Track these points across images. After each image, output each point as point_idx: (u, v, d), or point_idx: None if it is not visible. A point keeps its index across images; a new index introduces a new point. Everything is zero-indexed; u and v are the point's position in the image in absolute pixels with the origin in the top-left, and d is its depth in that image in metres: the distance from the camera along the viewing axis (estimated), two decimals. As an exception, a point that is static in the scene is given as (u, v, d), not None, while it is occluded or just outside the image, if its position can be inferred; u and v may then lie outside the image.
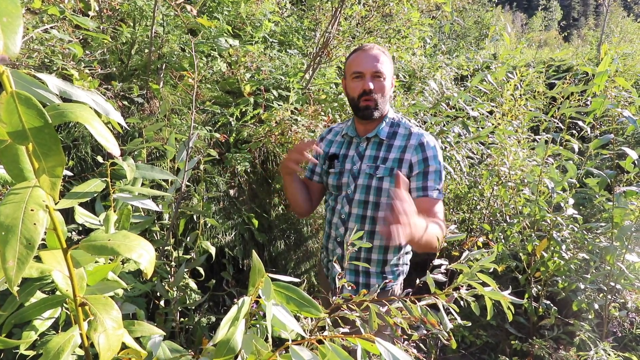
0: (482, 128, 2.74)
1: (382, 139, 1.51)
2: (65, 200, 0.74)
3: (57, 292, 0.78)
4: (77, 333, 0.68)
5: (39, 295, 0.87)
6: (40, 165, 0.50)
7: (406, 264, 1.62)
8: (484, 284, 0.95)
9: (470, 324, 1.29)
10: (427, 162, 1.45)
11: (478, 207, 2.91)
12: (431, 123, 2.68)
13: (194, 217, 1.95)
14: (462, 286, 0.97)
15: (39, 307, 0.80)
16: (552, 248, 2.23)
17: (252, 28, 2.86)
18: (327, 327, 0.95)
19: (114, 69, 2.22)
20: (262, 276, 0.75)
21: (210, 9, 2.80)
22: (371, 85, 1.45)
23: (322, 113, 2.48)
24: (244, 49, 2.50)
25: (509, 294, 0.97)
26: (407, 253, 1.61)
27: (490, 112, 2.99)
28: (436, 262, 1.04)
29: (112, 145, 0.53)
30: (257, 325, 0.86)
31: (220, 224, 2.14)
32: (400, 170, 1.46)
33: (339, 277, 1.01)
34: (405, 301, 0.92)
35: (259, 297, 0.74)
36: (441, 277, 0.98)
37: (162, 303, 1.67)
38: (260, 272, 0.75)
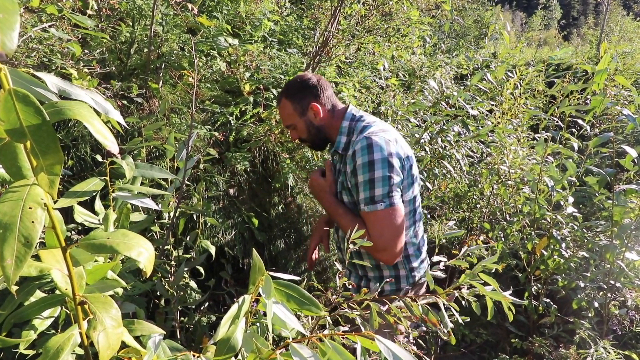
0: (482, 127, 2.74)
1: (341, 153, 1.49)
2: (64, 199, 0.74)
3: (57, 291, 0.78)
4: (77, 332, 0.68)
5: (38, 295, 0.87)
6: (38, 163, 0.49)
7: (414, 270, 1.51)
8: (485, 284, 0.95)
9: (470, 322, 1.29)
10: (356, 172, 1.34)
11: (478, 205, 2.91)
12: (431, 122, 2.67)
13: (194, 216, 1.95)
14: (464, 286, 0.96)
15: (38, 306, 0.80)
16: (552, 246, 2.22)
17: (252, 27, 2.86)
18: (327, 326, 0.95)
19: (113, 68, 2.21)
20: (262, 274, 0.75)
21: (210, 8, 2.80)
22: (292, 137, 1.57)
23: (322, 112, 2.47)
24: (244, 48, 2.50)
25: (509, 294, 0.96)
26: (407, 256, 1.50)
27: (490, 111, 2.99)
28: (435, 258, 1.04)
29: (110, 143, 0.53)
30: (258, 324, 0.86)
31: (220, 223, 2.14)
32: (348, 183, 1.42)
33: (339, 275, 1.01)
34: (406, 299, 0.92)
35: (260, 295, 0.74)
36: (440, 274, 0.98)
37: (162, 302, 1.67)
38: (261, 271, 0.75)
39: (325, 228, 1.72)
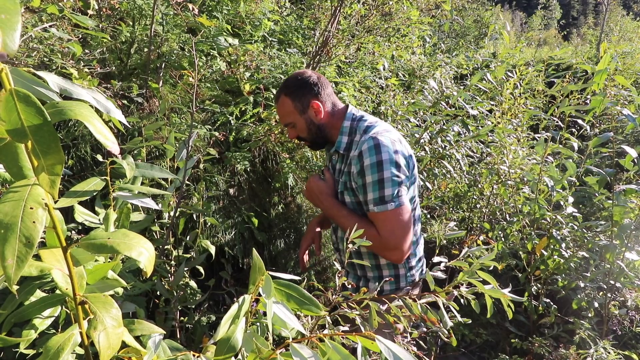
0: (482, 127, 2.74)
1: (342, 153, 1.47)
2: (64, 198, 0.74)
3: (57, 291, 0.78)
4: (77, 332, 0.68)
5: (38, 294, 0.87)
6: (39, 163, 0.49)
7: (412, 268, 1.53)
8: (484, 282, 0.95)
9: (470, 322, 1.29)
10: (364, 172, 1.33)
11: (478, 205, 2.91)
12: (431, 122, 2.67)
13: (194, 216, 1.95)
14: (462, 284, 0.96)
15: (39, 305, 0.80)
16: (552, 246, 2.22)
17: (252, 27, 2.86)
18: (327, 325, 0.95)
19: (114, 68, 2.21)
20: (262, 274, 0.75)
21: (210, 8, 2.80)
22: (290, 135, 1.54)
23: (322, 112, 2.47)
24: (244, 48, 2.50)
25: (509, 292, 0.97)
26: (408, 258, 1.51)
27: (490, 111, 2.99)
28: (435, 259, 1.04)
29: (111, 143, 0.53)
30: (258, 324, 0.86)
31: (220, 223, 2.14)
32: (353, 184, 1.41)
33: (339, 275, 1.01)
34: (406, 299, 0.92)
35: (260, 295, 0.74)
36: (440, 275, 0.98)
37: (162, 302, 1.67)
38: (261, 270, 0.75)
39: (317, 229, 1.72)
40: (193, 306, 1.78)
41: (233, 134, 2.32)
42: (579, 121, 2.34)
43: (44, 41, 1.81)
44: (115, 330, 0.63)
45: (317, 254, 1.72)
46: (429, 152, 2.70)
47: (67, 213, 1.21)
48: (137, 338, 0.78)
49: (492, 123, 2.79)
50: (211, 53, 2.52)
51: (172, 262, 1.71)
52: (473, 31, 9.33)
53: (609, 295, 2.11)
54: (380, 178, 1.31)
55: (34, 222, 0.49)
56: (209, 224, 2.08)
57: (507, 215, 2.69)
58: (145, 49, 2.29)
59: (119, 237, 0.63)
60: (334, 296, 0.97)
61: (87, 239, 0.63)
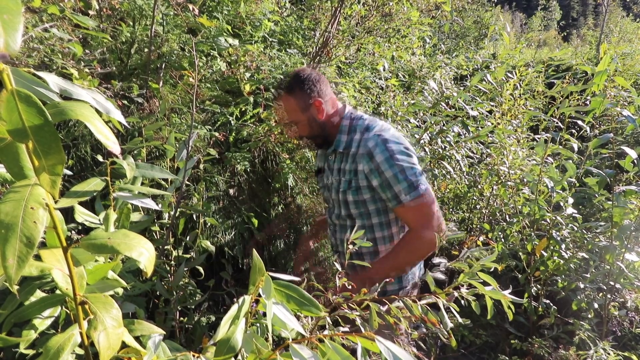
0: (482, 127, 2.74)
1: (342, 151, 1.46)
2: (65, 199, 0.74)
3: (57, 291, 0.78)
4: (77, 332, 0.68)
5: (38, 294, 0.87)
6: (40, 163, 0.49)
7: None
8: (484, 283, 0.95)
9: (470, 323, 1.29)
10: (381, 168, 1.34)
11: (478, 206, 2.91)
12: (431, 122, 2.68)
13: (194, 216, 1.95)
14: (463, 285, 0.96)
15: (39, 305, 0.80)
16: (552, 247, 2.22)
17: (252, 27, 2.86)
18: (327, 326, 0.95)
19: (114, 68, 2.21)
20: (262, 275, 0.75)
21: (210, 9, 2.80)
22: (291, 134, 1.54)
23: (322, 112, 2.47)
24: (244, 48, 2.50)
25: (509, 293, 0.97)
26: None
27: (490, 112, 2.99)
28: (436, 260, 1.04)
29: (112, 143, 0.53)
30: (257, 324, 0.86)
31: (219, 223, 2.14)
32: (359, 181, 1.40)
33: (339, 276, 1.01)
34: (406, 300, 0.92)
35: (259, 296, 0.74)
36: (440, 276, 0.98)
37: (162, 302, 1.67)
38: (261, 271, 0.75)
39: (308, 246, 1.76)
40: (193, 306, 1.78)
41: (233, 134, 2.32)
42: (579, 122, 2.34)
43: (45, 41, 1.80)
44: (115, 330, 0.63)
45: (313, 269, 1.74)
46: (429, 153, 2.70)
47: (67, 213, 1.21)
48: (137, 338, 0.78)
49: (492, 124, 2.79)
50: (211, 53, 2.52)
51: (172, 263, 1.71)
52: (473, 32, 9.34)
53: (608, 296, 2.11)
54: (400, 169, 1.33)
55: (34, 222, 0.49)
56: (209, 224, 2.08)
57: (507, 216, 2.69)
58: (146, 49, 2.29)
59: (119, 238, 0.63)
60: (334, 297, 0.97)
61: (88, 239, 0.63)
